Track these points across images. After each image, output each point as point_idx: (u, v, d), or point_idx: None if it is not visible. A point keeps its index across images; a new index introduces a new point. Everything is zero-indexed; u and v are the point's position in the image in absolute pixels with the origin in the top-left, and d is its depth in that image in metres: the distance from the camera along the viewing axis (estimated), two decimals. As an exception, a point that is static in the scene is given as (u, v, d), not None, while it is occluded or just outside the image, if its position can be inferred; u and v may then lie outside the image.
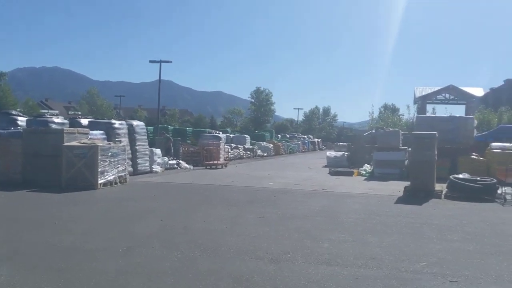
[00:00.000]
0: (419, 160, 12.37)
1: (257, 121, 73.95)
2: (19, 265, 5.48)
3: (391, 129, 22.86)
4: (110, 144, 13.53)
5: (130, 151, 15.70)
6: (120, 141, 14.40)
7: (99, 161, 12.58)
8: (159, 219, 8.51)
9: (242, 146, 33.30)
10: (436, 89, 57.77)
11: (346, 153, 25.35)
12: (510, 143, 17.50)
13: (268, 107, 75.13)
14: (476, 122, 19.51)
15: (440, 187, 12.64)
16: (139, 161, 16.89)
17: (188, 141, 29.65)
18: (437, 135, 12.73)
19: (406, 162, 18.34)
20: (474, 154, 17.44)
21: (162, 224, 8.08)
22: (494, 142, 18.15)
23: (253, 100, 75.78)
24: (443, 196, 12.17)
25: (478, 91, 56.58)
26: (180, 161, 21.30)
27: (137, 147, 16.80)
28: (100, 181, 12.63)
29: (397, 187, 14.12)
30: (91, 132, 14.52)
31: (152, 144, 20.57)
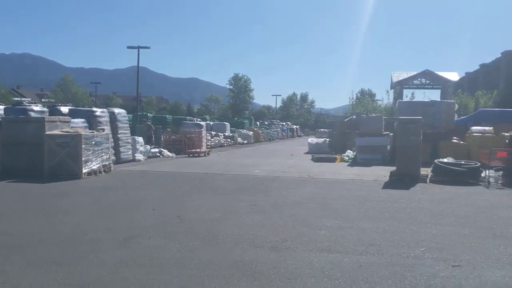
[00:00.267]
0: (405, 145, 12.49)
1: (235, 108, 73.62)
2: (15, 259, 5.30)
3: (374, 115, 23.02)
4: (93, 132, 13.23)
5: (112, 140, 15.38)
6: (103, 130, 14.10)
7: (82, 150, 12.29)
8: (151, 209, 8.37)
9: (222, 134, 33.12)
10: (413, 74, 58.56)
11: (328, 139, 25.46)
12: (489, 126, 17.88)
13: (247, 94, 74.78)
14: (457, 106, 19.80)
15: (425, 171, 12.82)
16: (121, 149, 16.59)
17: (168, 129, 29.28)
18: (422, 120, 12.84)
19: (389, 147, 18.56)
20: (455, 138, 17.73)
21: (155, 214, 7.95)
22: (474, 126, 18.52)
23: (231, 87, 75.27)
24: (428, 180, 12.34)
25: (454, 76, 57.55)
26: (163, 150, 21.03)
27: (119, 136, 16.49)
28: (84, 171, 12.36)
29: (382, 172, 14.30)
30: (72, 120, 14.16)
31: (132, 132, 20.18)
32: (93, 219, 7.51)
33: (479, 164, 12.44)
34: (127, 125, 17.51)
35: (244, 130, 38.98)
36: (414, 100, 20.98)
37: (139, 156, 18.00)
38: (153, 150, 20.04)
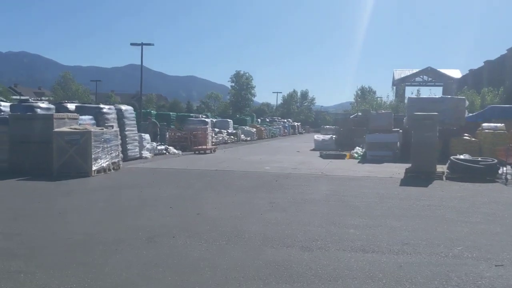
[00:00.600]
0: (420, 142, 12.29)
1: (237, 105, 73.28)
2: (38, 260, 5.08)
3: (383, 111, 22.80)
4: (102, 129, 12.97)
5: (119, 137, 15.13)
6: (112, 127, 13.86)
7: (92, 147, 12.05)
8: (168, 207, 8.15)
9: (225, 131, 32.93)
10: (415, 71, 58.45)
11: (334, 136, 25.26)
12: (499, 123, 17.69)
13: (249, 91, 74.43)
14: (467, 103, 19.59)
15: (440, 168, 12.63)
16: (129, 146, 16.35)
17: (172, 126, 29.04)
18: (438, 116, 12.63)
19: (398, 144, 18.36)
20: (466, 135, 17.53)
21: (174, 212, 7.73)
22: (484, 122, 18.33)
23: (233, 84, 74.93)
24: (444, 177, 12.15)
25: (456, 73, 57.51)
26: (169, 147, 20.80)
27: (126, 133, 16.24)
28: (93, 168, 12.13)
29: (395, 169, 14.13)
30: (80, 117, 13.91)
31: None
32: (111, 218, 7.30)
33: (496, 161, 12.24)
34: (134, 122, 17.28)
35: (247, 127, 38.78)
36: (424, 96, 20.71)
37: (145, 154, 17.77)
38: (159, 147, 19.80)
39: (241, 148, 26.85)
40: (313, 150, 24.40)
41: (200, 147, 21.79)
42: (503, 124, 17.17)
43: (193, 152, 21.31)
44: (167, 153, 20.05)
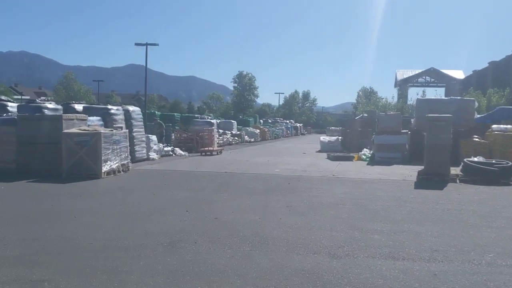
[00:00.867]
0: (434, 144, 12.15)
1: (240, 106, 73.06)
2: (60, 267, 4.92)
3: (392, 112, 22.65)
4: (112, 131, 12.82)
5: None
6: (121, 128, 13.71)
7: (102, 148, 11.90)
8: (184, 210, 8.00)
9: (229, 132, 32.79)
10: (417, 72, 58.35)
11: (340, 137, 25.12)
12: (509, 125, 17.54)
13: (251, 92, 74.22)
14: (477, 104, 19.45)
15: (453, 170, 12.49)
16: (136, 148, 16.19)
17: (176, 127, 28.89)
18: (452, 118, 12.50)
19: (407, 145, 18.23)
20: (475, 136, 17.38)
21: (190, 216, 7.58)
22: (493, 124, 18.18)
23: (235, 85, 74.73)
24: (458, 180, 12.00)
25: (459, 74, 57.38)
26: (175, 148, 20.65)
27: (134, 134, 16.08)
28: (103, 170, 11.97)
29: (406, 172, 14.01)
30: (88, 118, 13.76)
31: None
32: (128, 222, 7.14)
33: (510, 163, 12.09)
34: (142, 123, 17.14)
35: (251, 128, 38.64)
36: (431, 98, 20.58)
37: (153, 155, 17.63)
38: (165, 148, 19.65)
39: (246, 150, 26.70)
40: (319, 151, 24.28)
41: (207, 148, 21.64)
42: (513, 126, 17.01)
43: (199, 154, 21.16)
44: (173, 155, 19.89)
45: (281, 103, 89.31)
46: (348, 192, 10.25)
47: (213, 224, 6.99)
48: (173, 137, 23.35)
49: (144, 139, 17.05)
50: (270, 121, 58.96)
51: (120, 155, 12.87)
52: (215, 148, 22.26)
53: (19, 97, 55.77)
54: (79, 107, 15.52)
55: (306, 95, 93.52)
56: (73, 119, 12.86)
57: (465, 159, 12.63)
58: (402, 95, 47.49)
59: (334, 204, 8.75)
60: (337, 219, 7.36)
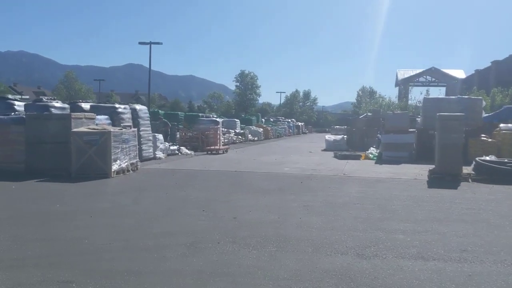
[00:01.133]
0: (446, 143, 12.05)
1: (242, 105, 72.87)
2: (84, 268, 4.81)
3: (399, 111, 22.55)
4: (122, 129, 12.71)
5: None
6: (130, 127, 13.59)
7: (112, 148, 11.78)
8: (201, 210, 7.89)
9: (233, 131, 32.67)
10: (418, 71, 58.23)
11: (345, 136, 25.05)
12: (516, 124, 17.49)
13: (254, 91, 74.03)
14: (484, 103, 19.36)
15: (464, 169, 12.39)
16: (143, 147, 16.06)
17: (180, 126, 28.76)
18: (463, 117, 12.41)
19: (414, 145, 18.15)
20: (483, 135, 17.32)
21: (208, 216, 7.47)
22: (500, 123, 18.11)
23: (238, 84, 74.51)
24: (470, 179, 11.91)
25: (460, 73, 57.30)
26: (181, 147, 20.54)
27: (141, 133, 15.93)
28: (113, 169, 11.86)
29: (416, 171, 13.94)
30: (96, 117, 13.64)
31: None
32: (145, 222, 7.03)
33: (523, 162, 12.01)
34: (148, 122, 17.02)
35: (254, 127, 38.53)
36: (442, 97, 20.46)
37: (159, 154, 17.51)
38: (172, 147, 19.53)
39: (251, 149, 26.59)
40: (325, 150, 24.19)
41: (213, 147, 21.53)
42: (522, 125, 16.95)
43: (205, 153, 21.05)
44: (179, 153, 19.78)
45: (281, 102, 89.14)
46: (363, 191, 10.15)
47: (232, 224, 6.89)
48: (178, 136, 23.22)
49: (150, 138, 16.93)
50: (271, 120, 58.79)
51: (129, 154, 12.75)
52: (221, 147, 22.13)
53: (19, 96, 55.51)
54: (86, 105, 15.39)
55: (307, 94, 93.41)
56: (81, 118, 12.73)
57: (477, 158, 12.54)
58: (405, 94, 47.38)
59: (351, 203, 8.65)
60: (357, 219, 7.26)
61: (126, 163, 12.50)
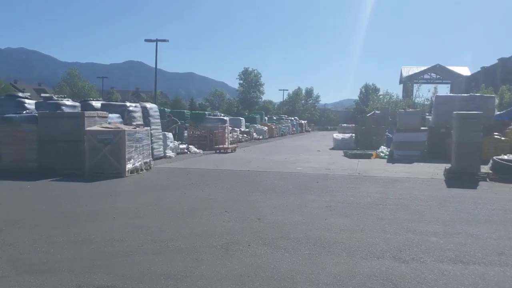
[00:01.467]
0: (464, 142, 11.93)
1: (245, 102, 72.61)
2: (120, 272, 4.71)
3: (411, 109, 22.40)
4: (135, 128, 12.59)
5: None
6: (142, 125, 13.46)
7: (126, 146, 11.66)
8: (223, 210, 7.79)
9: (238, 129, 32.52)
10: (422, 68, 58.09)
11: (353, 135, 24.92)
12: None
13: (257, 89, 73.75)
14: (497, 101, 19.23)
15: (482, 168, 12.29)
16: (154, 145, 15.91)
17: (186, 124, 28.64)
18: (482, 115, 12.29)
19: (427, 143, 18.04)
20: (496, 133, 17.20)
21: (231, 217, 7.36)
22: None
23: (241, 82, 74.19)
24: (487, 178, 11.80)
25: (464, 70, 57.14)
26: (189, 146, 20.43)
27: (152, 131, 15.80)
28: (127, 168, 11.74)
29: (430, 170, 13.85)
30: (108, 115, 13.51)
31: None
32: (170, 223, 6.92)
33: (542, 161, 11.88)
34: (159, 120, 16.90)
35: (258, 126, 38.40)
36: (453, 94, 20.26)
37: (169, 153, 17.40)
38: (181, 146, 19.41)
39: (258, 147, 26.47)
40: (332, 149, 24.07)
41: (221, 146, 21.42)
42: (535, 123, 16.82)
43: (213, 151, 20.93)
44: (188, 152, 19.67)
45: (282, 100, 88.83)
46: (382, 191, 10.03)
47: (258, 226, 6.78)
48: (185, 134, 23.09)
49: (161, 136, 16.81)
50: (274, 118, 58.59)
51: (143, 153, 12.65)
52: (230, 146, 22.01)
53: (27, 94, 55.20)
54: (97, 104, 15.27)
55: (309, 92, 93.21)
56: (94, 117, 12.62)
57: (494, 157, 12.41)
58: (410, 92, 47.15)
59: (374, 204, 8.53)
60: (384, 220, 7.15)
61: (139, 162, 12.39)
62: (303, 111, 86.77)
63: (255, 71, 74.20)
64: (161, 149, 16.74)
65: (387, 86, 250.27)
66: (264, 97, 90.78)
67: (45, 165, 12.28)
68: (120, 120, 14.19)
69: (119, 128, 11.94)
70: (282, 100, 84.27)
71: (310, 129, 68.74)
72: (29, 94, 16.13)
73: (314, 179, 11.82)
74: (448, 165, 12.81)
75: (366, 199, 9.05)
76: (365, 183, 11.31)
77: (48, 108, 13.71)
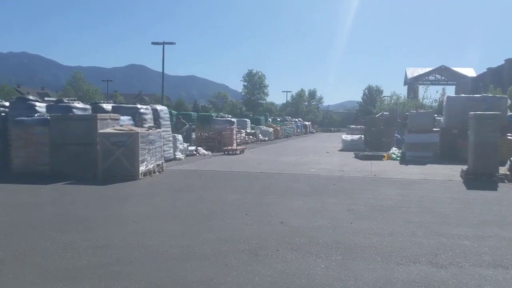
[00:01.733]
0: (482, 142, 11.74)
1: (250, 104, 72.41)
2: (147, 278, 4.54)
3: (422, 110, 22.21)
4: (148, 130, 12.44)
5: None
6: (155, 127, 13.32)
7: (139, 149, 11.51)
8: (243, 214, 7.63)
9: (244, 131, 32.35)
10: (427, 69, 57.88)
11: (363, 136, 24.73)
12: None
13: (261, 90, 73.53)
14: (509, 101, 19.03)
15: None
16: (164, 147, 15.73)
17: (193, 126, 28.47)
18: (499, 116, 12.11)
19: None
20: (509, 134, 17.01)
21: (253, 220, 7.20)
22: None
23: (245, 83, 73.99)
24: (505, 180, 11.62)
25: (470, 71, 56.91)
26: (198, 147, 20.28)
27: (162, 133, 15.65)
28: (140, 171, 11.59)
29: (446, 171, 13.69)
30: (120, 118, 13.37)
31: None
32: (192, 226, 6.75)
33: (561, 162, 11.71)
34: (169, 122, 16.78)
35: (264, 127, 38.24)
36: (465, 95, 20.08)
37: (179, 155, 17.25)
38: (190, 148, 19.26)
39: (265, 149, 26.29)
40: (341, 150, 23.89)
41: (230, 148, 21.26)
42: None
43: (222, 153, 20.78)
44: (197, 154, 19.51)
45: (284, 102, 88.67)
46: (402, 193, 9.85)
47: (282, 230, 6.61)
48: (193, 136, 22.94)
49: (171, 138, 16.67)
50: (278, 119, 58.38)
51: (155, 155, 12.50)
52: (239, 147, 21.85)
53: (36, 98, 55.08)
54: (107, 106, 15.13)
55: (312, 93, 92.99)
56: (106, 119, 12.47)
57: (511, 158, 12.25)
58: (416, 93, 46.94)
59: (397, 206, 8.36)
60: (411, 224, 6.97)
61: (152, 165, 12.25)
62: (306, 112, 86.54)
63: (259, 73, 73.99)
64: (171, 151, 16.59)
65: (390, 88, 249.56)
66: (267, 99, 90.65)
67: (57, 168, 12.12)
68: (132, 122, 14.06)
69: (132, 130, 11.80)
70: (284, 101, 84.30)
71: (314, 131, 68.57)
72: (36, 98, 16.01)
73: (330, 181, 11.65)
74: (464, 167, 12.66)
75: (387, 201, 8.87)
76: (382, 185, 11.13)
77: (59, 111, 13.55)
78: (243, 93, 75.21)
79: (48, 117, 12.36)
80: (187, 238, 6.07)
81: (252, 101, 72.76)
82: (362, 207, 8.29)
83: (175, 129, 20.33)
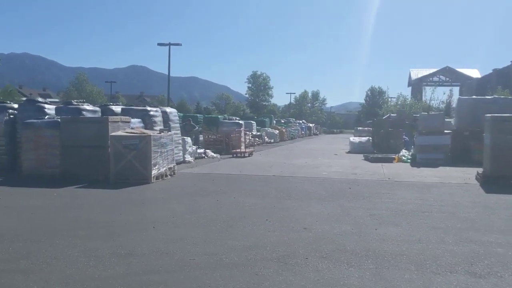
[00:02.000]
0: (500, 145, 11.56)
1: (254, 106, 72.18)
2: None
3: (433, 112, 22.03)
4: (160, 133, 12.29)
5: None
6: (167, 130, 13.17)
7: (151, 152, 11.35)
8: (263, 219, 7.46)
9: (250, 133, 32.18)
10: (432, 71, 57.73)
11: (370, 138, 24.56)
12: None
13: (266, 92, 73.26)
14: (522, 103, 18.85)
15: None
16: (174, 150, 15.61)
17: (200, 128, 28.31)
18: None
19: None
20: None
21: (275, 226, 7.03)
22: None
23: (250, 85, 73.72)
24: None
25: (475, 73, 56.73)
26: (206, 150, 20.11)
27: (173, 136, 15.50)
28: (153, 174, 11.44)
29: (460, 174, 13.53)
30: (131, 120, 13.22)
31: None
32: (214, 233, 6.58)
33: None
34: (178, 125, 16.62)
35: (270, 129, 38.08)
36: (475, 97, 19.97)
37: (188, 157, 17.09)
38: (198, 150, 19.09)
39: (273, 151, 26.11)
40: (349, 152, 23.73)
41: (239, 150, 21.09)
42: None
43: (230, 156, 20.60)
44: (205, 157, 19.34)
45: (287, 103, 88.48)
46: (422, 197, 9.67)
47: (307, 236, 6.45)
48: (201, 138, 22.78)
49: (180, 141, 16.50)
50: (282, 121, 58.14)
51: (167, 158, 12.34)
52: (248, 150, 21.67)
53: (42, 99, 54.97)
54: (117, 108, 14.98)
55: (315, 95, 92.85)
56: (117, 122, 12.32)
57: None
58: (420, 94, 46.79)
59: (419, 211, 8.18)
60: (437, 230, 6.80)
61: (164, 168, 12.09)
62: (309, 114, 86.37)
63: (264, 75, 73.64)
64: (181, 154, 16.42)
65: (394, 89, 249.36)
66: (271, 101, 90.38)
67: (68, 172, 11.98)
68: (142, 125, 13.91)
69: (144, 133, 11.64)
70: (286, 103, 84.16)
71: (318, 132, 68.40)
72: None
73: (345, 185, 11.48)
74: (479, 169, 12.49)
75: (408, 206, 8.70)
76: (399, 188, 10.96)
77: (68, 113, 13.41)
78: (247, 95, 74.97)
79: (59, 120, 12.22)
80: (211, 246, 5.90)
81: (256, 103, 72.49)
82: (384, 212, 8.12)
83: (184, 131, 20.17)
